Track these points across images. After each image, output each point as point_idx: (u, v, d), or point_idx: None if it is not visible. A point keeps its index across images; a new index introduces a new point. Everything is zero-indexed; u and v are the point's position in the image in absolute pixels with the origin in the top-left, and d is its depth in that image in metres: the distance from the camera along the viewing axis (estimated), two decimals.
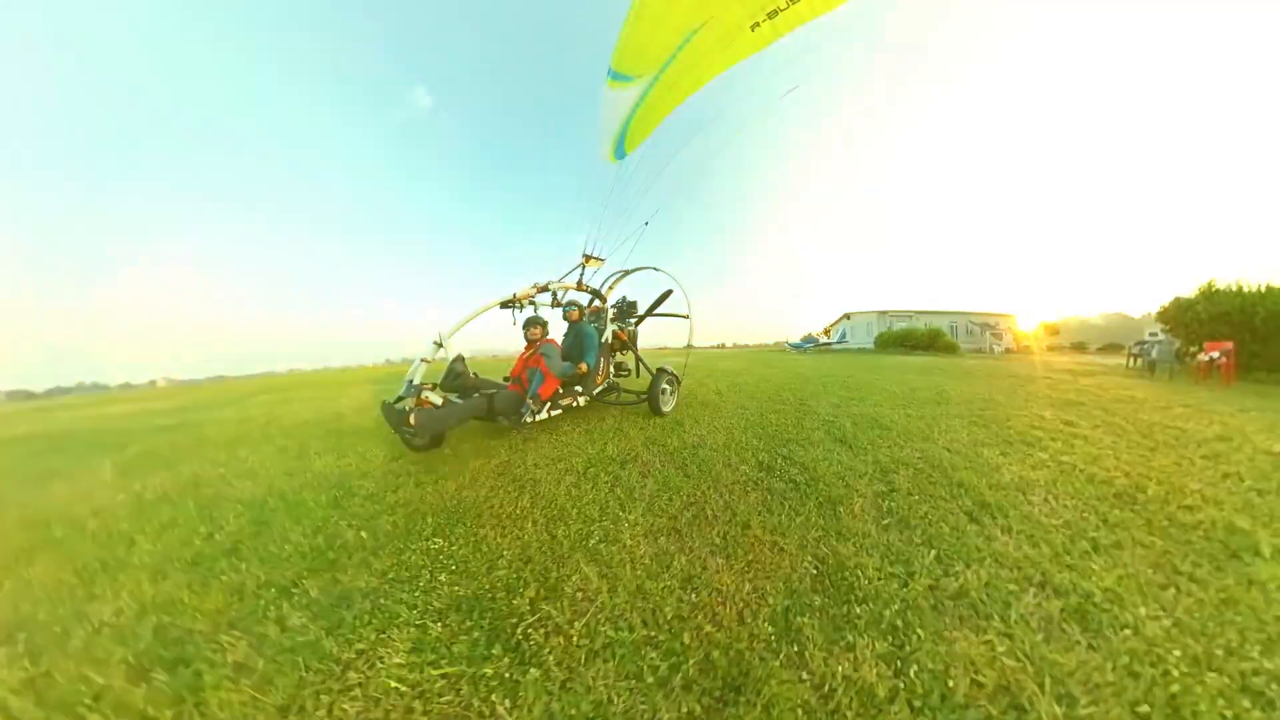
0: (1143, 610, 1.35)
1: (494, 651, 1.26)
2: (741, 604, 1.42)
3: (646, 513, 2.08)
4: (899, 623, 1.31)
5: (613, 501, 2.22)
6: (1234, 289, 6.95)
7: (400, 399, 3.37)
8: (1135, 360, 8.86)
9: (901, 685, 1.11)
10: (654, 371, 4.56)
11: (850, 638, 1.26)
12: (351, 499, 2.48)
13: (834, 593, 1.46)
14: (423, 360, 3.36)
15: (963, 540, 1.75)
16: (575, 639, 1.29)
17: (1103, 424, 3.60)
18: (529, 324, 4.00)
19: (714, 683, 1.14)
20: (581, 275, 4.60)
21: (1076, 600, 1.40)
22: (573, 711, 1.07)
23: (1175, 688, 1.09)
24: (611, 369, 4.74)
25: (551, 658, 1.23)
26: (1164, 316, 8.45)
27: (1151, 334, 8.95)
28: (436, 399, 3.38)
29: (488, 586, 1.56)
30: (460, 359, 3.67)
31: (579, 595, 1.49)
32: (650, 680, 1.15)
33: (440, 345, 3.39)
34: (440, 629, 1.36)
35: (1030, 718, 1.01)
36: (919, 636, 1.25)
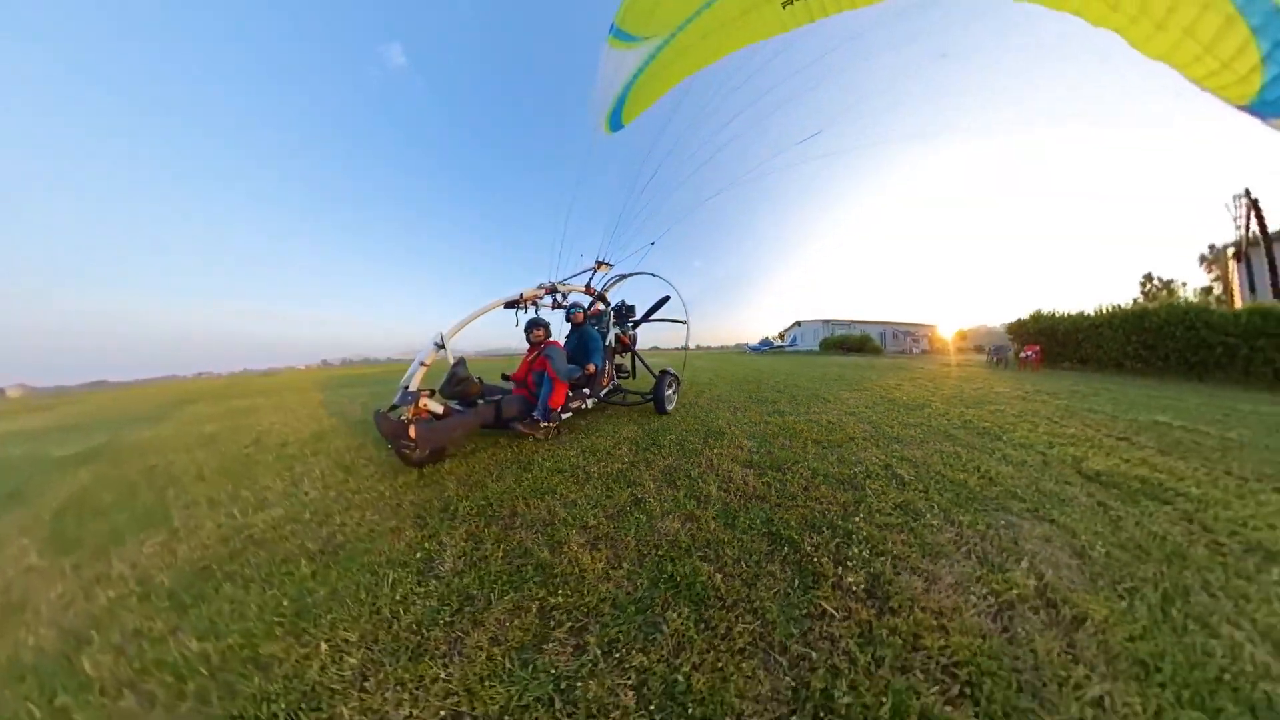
0: (881, 424, 4.32)
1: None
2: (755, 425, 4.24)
3: (695, 427, 4.21)
4: (782, 406, 5.06)
5: (688, 430, 4.03)
6: (1046, 314, 11.69)
7: (395, 408, 3.08)
8: (991, 357, 13.82)
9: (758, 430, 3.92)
10: (656, 373, 4.82)
11: (764, 410, 4.87)
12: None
13: (769, 410, 4.97)
14: (420, 364, 3.08)
15: (812, 408, 4.97)
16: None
17: (929, 385, 6.41)
18: (532, 325, 3.92)
19: (768, 461, 2.96)
20: (592, 279, 4.83)
21: (855, 414, 4.77)
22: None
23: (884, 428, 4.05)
24: (614, 371, 4.92)
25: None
26: (1009, 329, 13.08)
27: (1002, 342, 13.94)
28: (437, 407, 3.10)
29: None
30: (462, 362, 3.41)
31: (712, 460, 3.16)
32: (743, 460, 3.01)
33: (441, 347, 3.16)
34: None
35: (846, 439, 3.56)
36: (806, 399, 5.47)
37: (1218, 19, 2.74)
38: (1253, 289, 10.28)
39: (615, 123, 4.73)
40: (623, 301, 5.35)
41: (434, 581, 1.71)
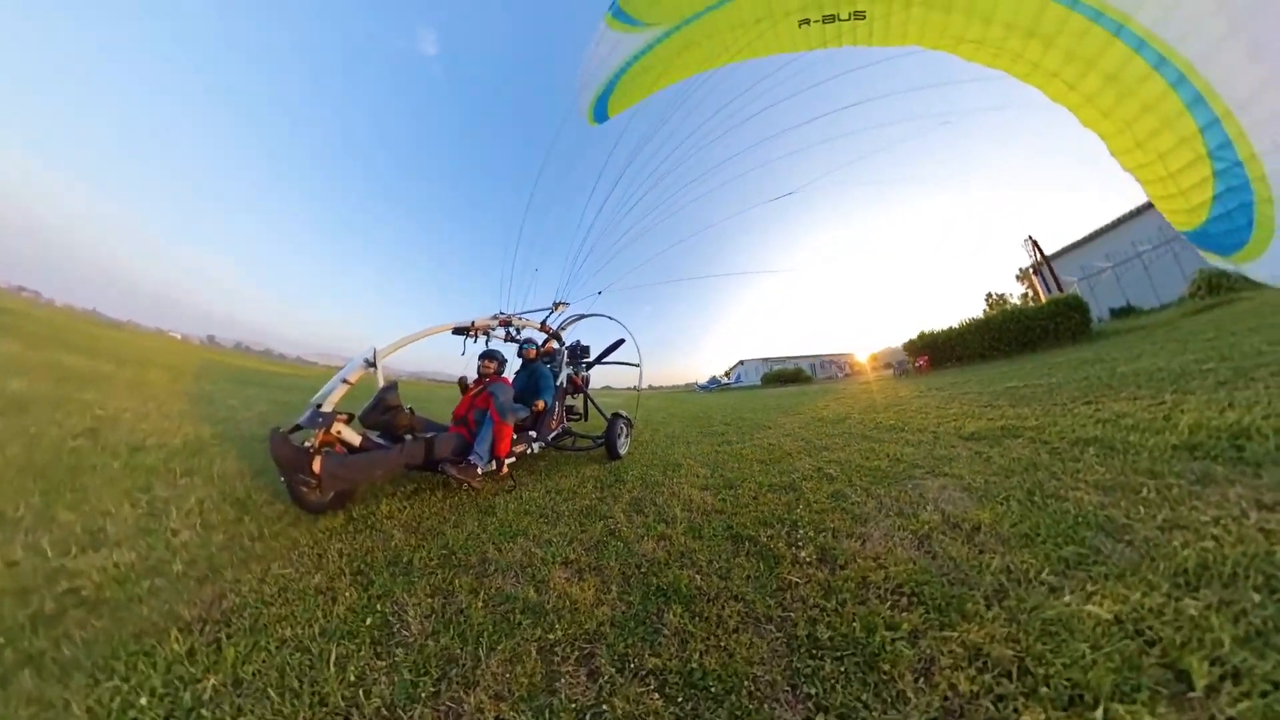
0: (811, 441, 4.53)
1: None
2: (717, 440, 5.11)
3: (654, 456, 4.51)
4: (730, 437, 5.29)
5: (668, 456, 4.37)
6: (928, 331, 15.15)
7: (298, 428, 2.45)
8: (896, 370, 17.55)
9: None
10: (609, 416, 4.47)
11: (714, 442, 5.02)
12: None
13: (719, 441, 5.22)
14: (343, 381, 2.55)
15: (755, 435, 5.28)
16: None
17: (850, 401, 7.65)
18: (485, 357, 3.53)
19: (721, 482, 3.14)
20: (548, 317, 4.56)
21: (791, 435, 5.04)
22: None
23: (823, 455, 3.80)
24: (565, 413, 4.57)
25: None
26: (905, 347, 16.32)
27: (902, 358, 17.45)
28: (354, 437, 2.50)
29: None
30: (393, 388, 2.80)
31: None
32: (700, 485, 3.15)
33: (372, 365, 2.65)
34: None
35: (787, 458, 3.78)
36: (750, 428, 5.79)
37: (1189, 154, 3.14)
38: (1048, 290, 16.11)
39: (600, 112, 4.21)
40: (578, 341, 5.08)
41: (400, 650, 1.40)
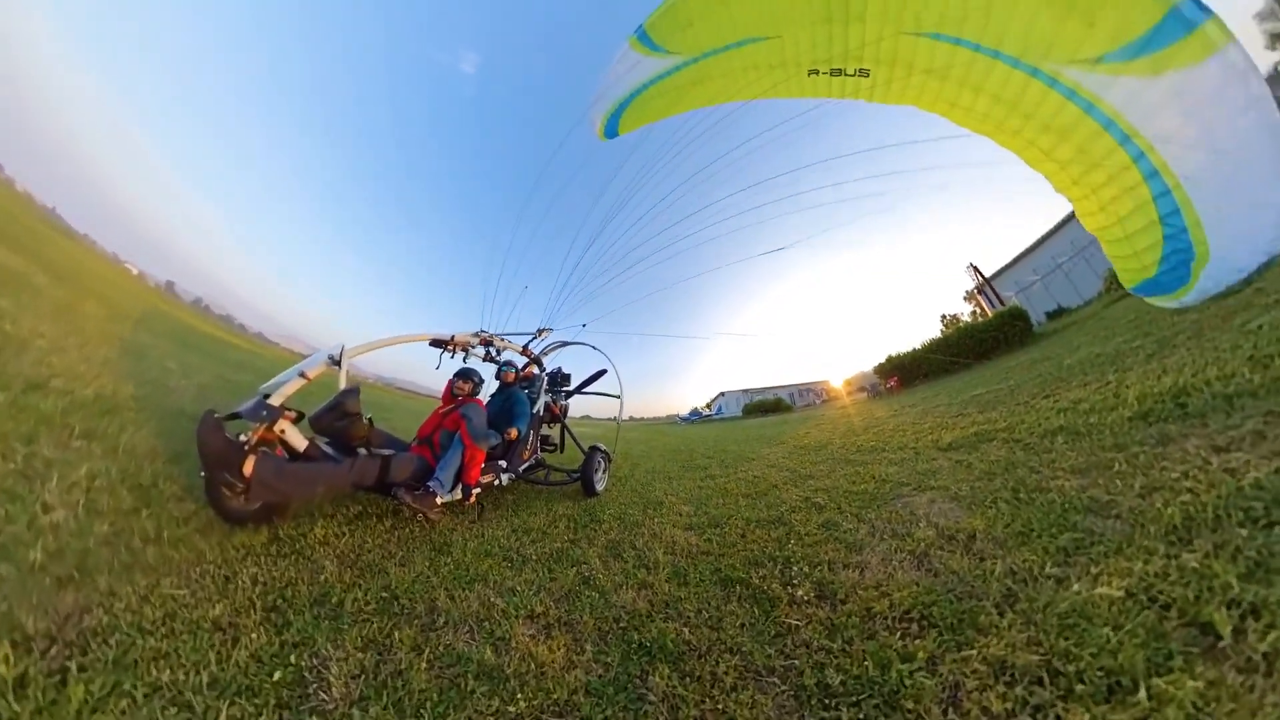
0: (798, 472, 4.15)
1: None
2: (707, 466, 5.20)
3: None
4: (713, 470, 4.80)
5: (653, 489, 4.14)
6: (895, 355, 16.01)
7: (236, 416, 2.12)
8: (870, 393, 18.44)
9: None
10: (586, 449, 4.18)
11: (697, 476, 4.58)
12: None
13: (702, 475, 4.70)
14: (300, 375, 2.26)
15: (739, 467, 4.82)
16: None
17: (830, 427, 7.61)
18: (461, 376, 3.29)
19: (706, 521, 2.85)
20: (531, 342, 4.37)
21: (776, 466, 4.68)
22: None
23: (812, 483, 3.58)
24: (539, 444, 4.25)
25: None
26: (876, 370, 17.20)
27: (874, 380, 18.26)
28: (299, 441, 2.18)
29: None
30: (355, 393, 2.48)
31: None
32: (683, 524, 2.82)
33: (337, 364, 2.41)
34: None
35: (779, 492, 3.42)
36: (733, 460, 5.24)
37: (1144, 220, 3.81)
38: (992, 305, 18.59)
39: (611, 128, 4.28)
40: (559, 369, 4.78)
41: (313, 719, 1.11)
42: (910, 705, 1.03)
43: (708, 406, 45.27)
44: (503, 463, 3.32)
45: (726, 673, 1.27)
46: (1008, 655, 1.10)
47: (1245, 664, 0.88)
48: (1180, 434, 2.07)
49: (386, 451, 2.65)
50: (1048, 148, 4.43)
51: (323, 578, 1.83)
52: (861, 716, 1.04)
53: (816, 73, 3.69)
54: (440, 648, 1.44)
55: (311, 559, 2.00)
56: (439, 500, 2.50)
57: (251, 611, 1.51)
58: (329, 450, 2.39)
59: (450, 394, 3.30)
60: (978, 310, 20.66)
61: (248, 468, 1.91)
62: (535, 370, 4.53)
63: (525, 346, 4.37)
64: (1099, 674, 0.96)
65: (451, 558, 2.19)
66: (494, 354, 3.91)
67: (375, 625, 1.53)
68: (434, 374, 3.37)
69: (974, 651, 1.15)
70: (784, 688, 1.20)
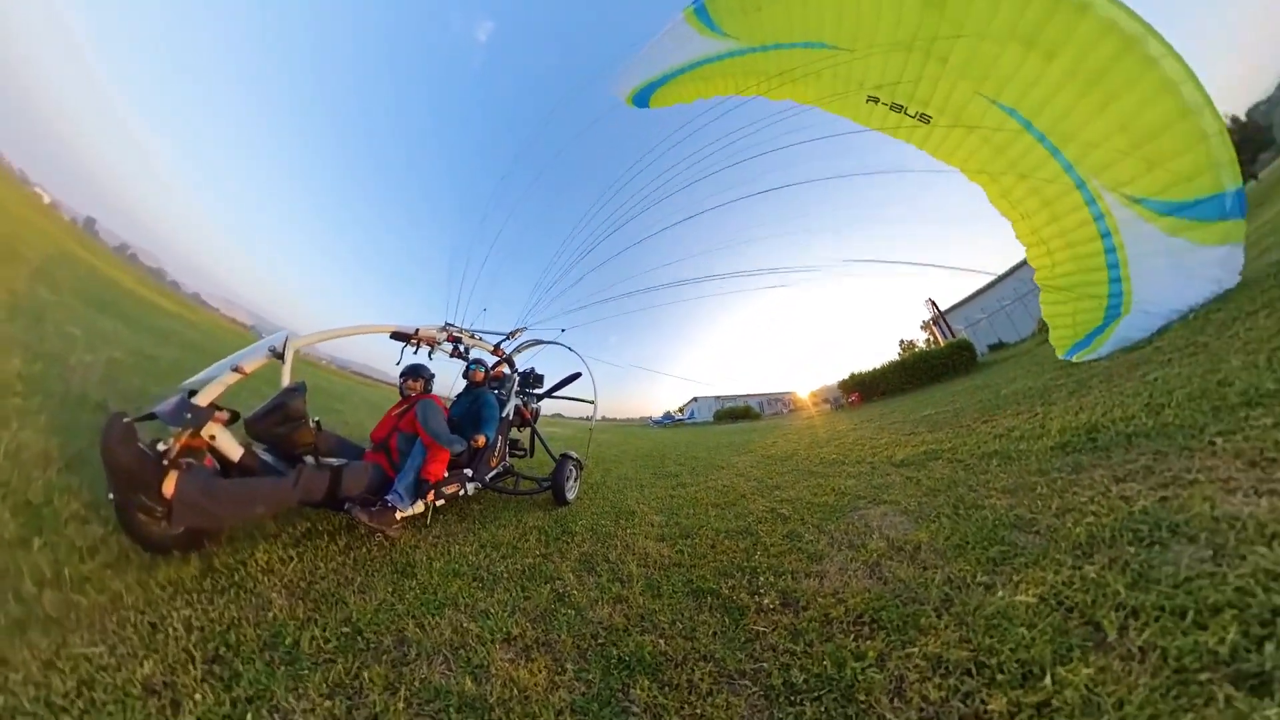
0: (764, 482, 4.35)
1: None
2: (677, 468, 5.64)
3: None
4: (684, 479, 4.89)
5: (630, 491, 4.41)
6: (857, 373, 17.69)
7: (152, 418, 1.75)
8: (833, 406, 19.63)
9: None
10: (557, 456, 4.01)
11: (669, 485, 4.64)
12: None
13: (673, 484, 4.76)
14: (234, 369, 1.92)
15: (709, 476, 4.92)
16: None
17: (795, 438, 7.95)
18: (409, 374, 3.00)
19: (677, 531, 2.93)
20: (502, 341, 4.12)
21: (744, 475, 4.81)
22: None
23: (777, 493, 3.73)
24: (506, 449, 3.96)
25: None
26: (840, 386, 18.92)
27: (838, 394, 19.92)
28: (233, 448, 1.87)
29: None
30: (300, 391, 2.11)
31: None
32: (655, 535, 2.87)
33: (279, 356, 2.11)
34: None
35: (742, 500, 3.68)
36: (704, 468, 5.42)
37: (1093, 303, 4.30)
38: (945, 336, 20.97)
39: (642, 99, 4.00)
40: (532, 369, 4.53)
41: None
42: (863, 697, 1.16)
43: (680, 410, 46.05)
44: (468, 471, 3.07)
45: (702, 679, 1.36)
46: (943, 651, 1.26)
47: (1126, 654, 1.08)
48: (1090, 464, 2.39)
49: (337, 461, 2.36)
50: (1049, 237, 4.90)
51: (271, 615, 1.61)
52: (822, 710, 1.16)
53: (875, 101, 3.56)
54: (416, 683, 1.35)
55: (255, 592, 1.75)
56: (399, 515, 2.25)
57: (190, 666, 1.30)
58: (269, 460, 2.11)
59: (402, 393, 3.04)
60: (931, 339, 22.81)
61: (168, 487, 1.55)
62: (505, 370, 4.29)
63: (497, 345, 4.12)
64: (1016, 664, 1.14)
65: (416, 580, 2.04)
66: (462, 351, 3.65)
67: (340, 666, 1.40)
68: (397, 364, 3.16)
69: (916, 649, 1.31)
70: (754, 689, 1.30)
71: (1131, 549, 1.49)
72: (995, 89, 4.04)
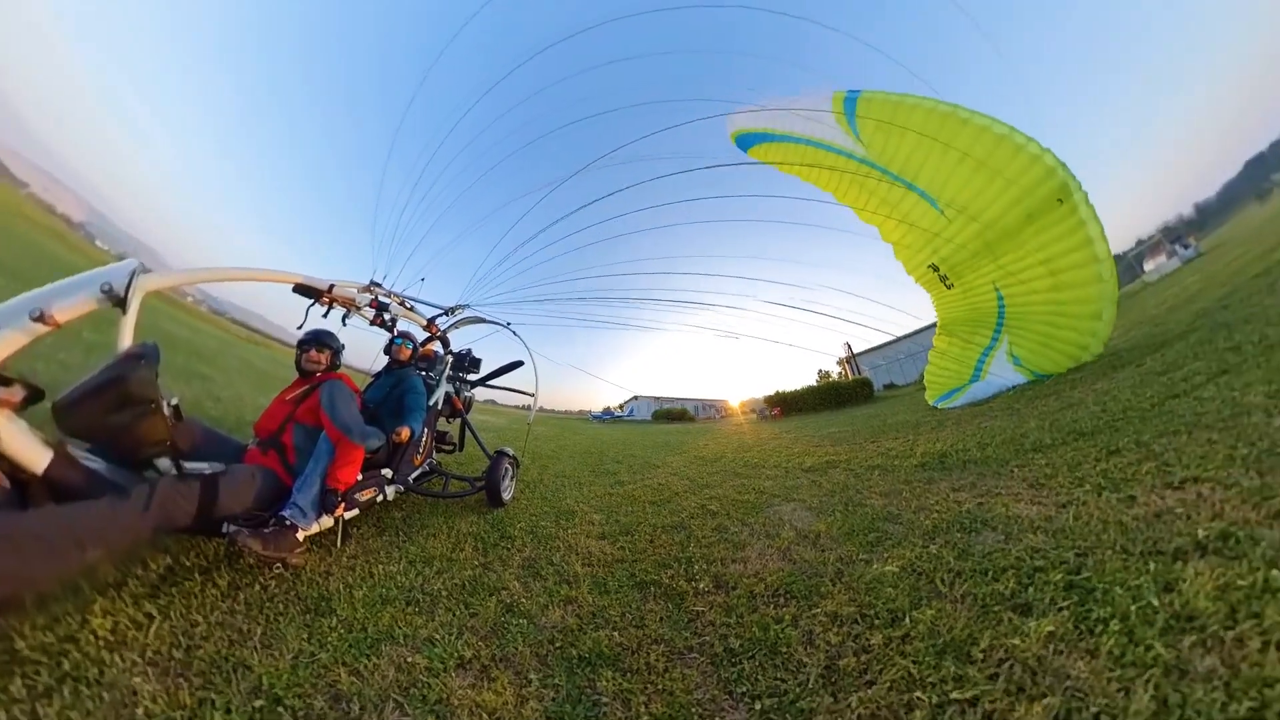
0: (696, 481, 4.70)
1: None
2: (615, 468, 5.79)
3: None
4: (622, 476, 5.09)
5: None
6: (781, 391, 20.87)
7: None
8: (759, 416, 21.42)
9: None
10: (492, 454, 3.64)
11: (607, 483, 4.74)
12: None
13: (611, 482, 4.89)
14: (33, 318, 1.23)
15: (646, 475, 5.14)
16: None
17: (725, 442, 8.60)
18: (314, 342, 2.34)
19: (618, 529, 3.06)
20: (438, 317, 3.59)
21: (678, 474, 5.16)
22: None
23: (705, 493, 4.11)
24: (433, 443, 3.42)
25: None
26: (766, 400, 21.79)
27: (764, 407, 22.31)
28: (32, 453, 1.23)
29: None
30: (149, 358, 1.47)
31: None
32: (596, 534, 2.97)
33: (120, 302, 1.42)
34: None
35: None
36: (641, 467, 5.67)
37: (961, 369, 5.74)
38: (854, 373, 25.54)
39: (747, 141, 4.43)
40: (469, 351, 3.96)
41: None
42: (785, 649, 1.47)
43: (620, 407, 46.81)
44: (387, 471, 2.58)
45: (658, 660, 1.52)
46: (838, 609, 1.64)
47: (954, 600, 1.56)
48: (939, 478, 3.17)
49: (208, 466, 1.72)
50: (965, 330, 6.73)
51: (140, 712, 1.13)
52: (756, 665, 1.43)
53: (935, 269, 4.72)
54: None
55: (104, 684, 1.20)
56: (301, 536, 1.81)
57: None
58: (98, 468, 1.44)
59: (301, 369, 2.36)
60: (843, 372, 27.69)
61: None
62: (437, 349, 3.72)
63: (431, 320, 3.55)
64: (886, 612, 1.55)
65: (337, 617, 1.68)
66: (386, 321, 2.92)
67: None
68: (298, 328, 2.47)
69: (819, 610, 1.66)
70: (702, 659, 1.52)
71: (959, 535, 2.08)
72: (1003, 278, 5.59)
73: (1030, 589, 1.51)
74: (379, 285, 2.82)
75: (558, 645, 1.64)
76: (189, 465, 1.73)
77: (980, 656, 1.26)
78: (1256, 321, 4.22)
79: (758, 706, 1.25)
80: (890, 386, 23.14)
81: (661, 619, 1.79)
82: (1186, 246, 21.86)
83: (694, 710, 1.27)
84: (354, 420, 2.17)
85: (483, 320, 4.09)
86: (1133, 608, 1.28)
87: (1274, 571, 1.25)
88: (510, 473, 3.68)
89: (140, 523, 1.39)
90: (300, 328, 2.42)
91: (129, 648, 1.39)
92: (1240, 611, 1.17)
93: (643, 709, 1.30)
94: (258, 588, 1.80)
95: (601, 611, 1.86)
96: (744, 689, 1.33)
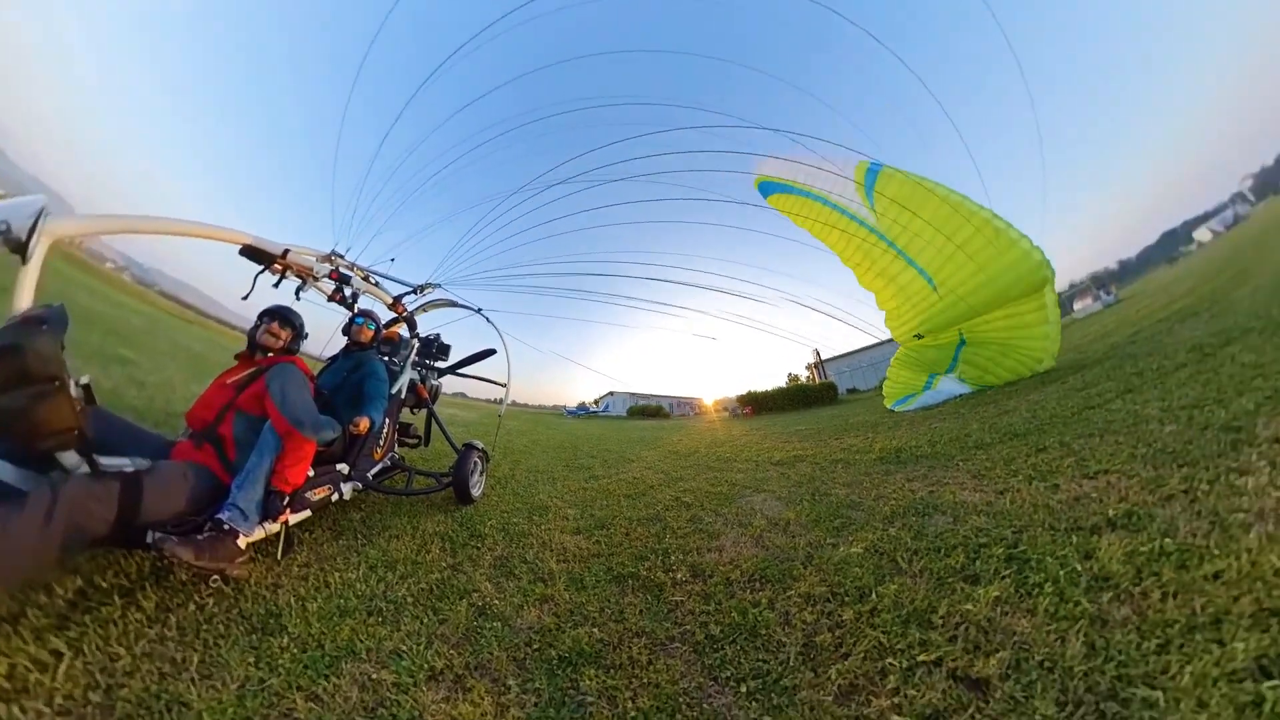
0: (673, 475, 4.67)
1: None
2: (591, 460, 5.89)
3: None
4: (596, 470, 5.01)
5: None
6: (753, 391, 22.12)
7: None
8: (732, 414, 22.99)
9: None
10: (460, 447, 3.42)
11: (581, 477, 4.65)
12: None
13: (586, 476, 4.84)
14: None
15: (621, 469, 5.12)
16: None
17: (698, 437, 8.76)
18: (275, 316, 2.10)
19: (592, 523, 3.01)
20: (406, 295, 3.29)
21: (653, 468, 5.15)
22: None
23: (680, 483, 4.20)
24: (395, 435, 3.19)
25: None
26: (738, 399, 22.84)
27: (736, 405, 23.51)
28: None
29: None
30: (52, 324, 1.23)
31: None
32: (571, 529, 2.90)
33: (20, 248, 1.22)
34: None
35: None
36: (615, 461, 5.66)
37: (917, 378, 6.53)
38: (821, 377, 27.52)
39: (769, 189, 4.94)
40: (437, 336, 3.70)
41: None
42: (764, 631, 1.53)
43: (595, 403, 46.44)
44: (343, 466, 2.36)
45: (640, 653, 1.49)
46: (810, 590, 1.73)
47: (913, 575, 1.71)
48: (895, 471, 3.44)
49: (128, 463, 1.46)
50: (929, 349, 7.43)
51: None
52: (738, 648, 1.47)
53: (919, 337, 5.64)
54: None
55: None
56: (243, 542, 1.60)
57: None
58: None
59: (250, 348, 2.09)
60: (811, 376, 29.93)
61: None
62: (402, 332, 3.44)
63: (398, 299, 3.22)
64: (854, 589, 1.66)
65: (289, 635, 1.50)
66: (347, 297, 2.67)
67: None
68: (243, 298, 2.12)
69: (793, 591, 1.75)
70: (684, 647, 1.53)
71: (914, 518, 2.27)
72: (970, 331, 6.60)
73: (977, 562, 1.68)
74: (341, 256, 2.53)
75: (536, 647, 1.57)
76: (105, 461, 1.40)
77: (940, 622, 1.38)
78: (1155, 355, 4.95)
79: (743, 689, 1.28)
80: (853, 391, 24.89)
81: (641, 611, 1.77)
82: (1109, 294, 27.03)
83: (681, 700, 1.28)
84: (306, 411, 1.94)
85: (454, 304, 3.79)
86: (1061, 573, 1.46)
87: (1166, 540, 1.50)
88: (480, 467, 3.52)
89: (42, 538, 1.12)
90: (246, 298, 2.08)
91: (31, 695, 1.14)
92: (1144, 571, 1.38)
93: (629, 704, 1.27)
94: (192, 608, 1.57)
95: (579, 608, 1.81)
96: (728, 673, 1.36)
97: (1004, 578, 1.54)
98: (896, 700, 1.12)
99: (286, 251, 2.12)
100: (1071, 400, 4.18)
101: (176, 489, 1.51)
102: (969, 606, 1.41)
